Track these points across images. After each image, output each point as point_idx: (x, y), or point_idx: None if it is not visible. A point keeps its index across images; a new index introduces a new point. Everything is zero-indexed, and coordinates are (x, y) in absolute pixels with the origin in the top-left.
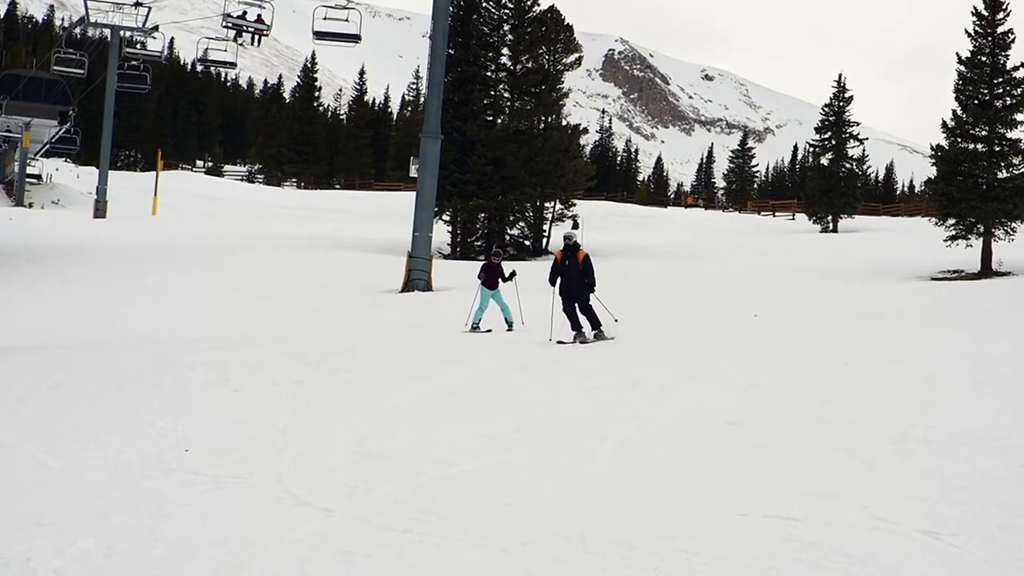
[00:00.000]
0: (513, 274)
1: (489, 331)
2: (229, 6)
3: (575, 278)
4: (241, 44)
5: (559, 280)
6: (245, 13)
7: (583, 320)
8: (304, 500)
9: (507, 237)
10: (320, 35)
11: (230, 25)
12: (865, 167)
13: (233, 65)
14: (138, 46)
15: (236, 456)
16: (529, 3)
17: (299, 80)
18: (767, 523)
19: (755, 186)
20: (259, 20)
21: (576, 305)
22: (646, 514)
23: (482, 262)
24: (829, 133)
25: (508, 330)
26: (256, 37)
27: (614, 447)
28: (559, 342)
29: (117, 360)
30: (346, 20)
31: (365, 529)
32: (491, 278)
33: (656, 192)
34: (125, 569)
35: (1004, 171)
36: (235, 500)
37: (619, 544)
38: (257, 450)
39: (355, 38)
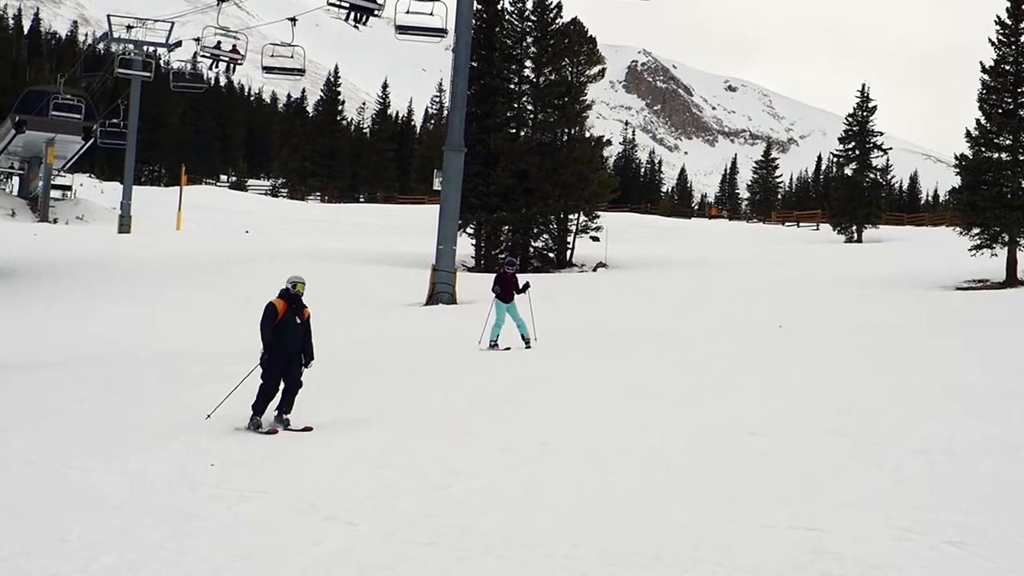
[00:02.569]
0: (527, 286)
1: (508, 349)
2: (206, 38)
3: (300, 338)
4: (217, 72)
5: (278, 339)
6: (220, 43)
7: (267, 401)
8: (328, 514)
9: (531, 250)
10: (403, 29)
11: (207, 55)
12: (889, 177)
13: (301, 72)
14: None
15: (260, 470)
16: (552, 15)
17: (322, 94)
18: (791, 534)
19: (779, 197)
20: (234, 50)
21: (291, 376)
22: (668, 525)
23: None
24: (853, 143)
25: (526, 347)
26: (231, 65)
27: (636, 458)
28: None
29: (141, 374)
30: (431, 14)
31: (389, 542)
32: (506, 291)
33: (680, 203)
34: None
35: None
36: (259, 514)
37: (641, 555)
38: (281, 464)
39: (441, 32)
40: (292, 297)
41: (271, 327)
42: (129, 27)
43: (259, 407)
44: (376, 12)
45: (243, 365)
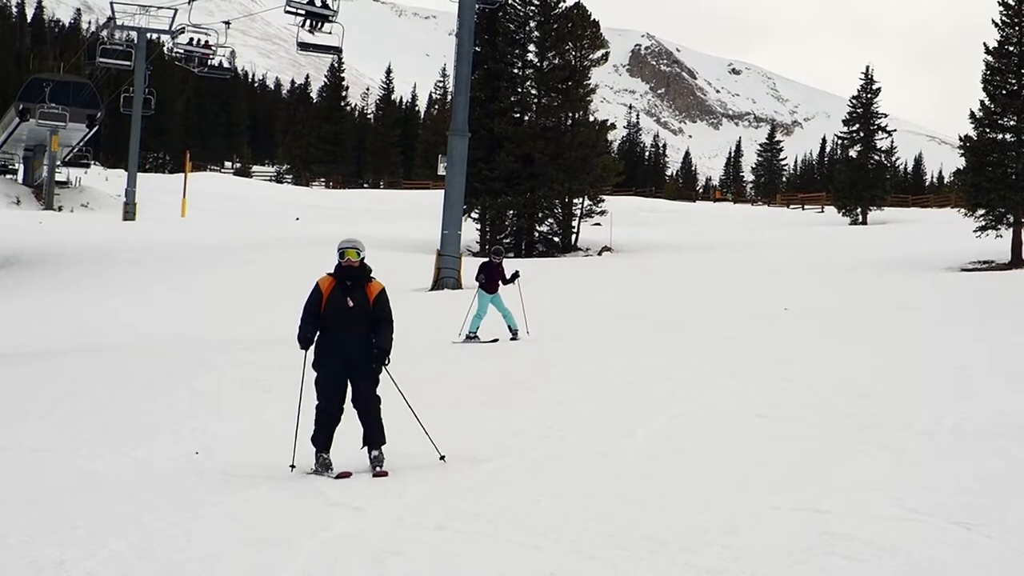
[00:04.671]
0: (516, 275)
1: (495, 341)
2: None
3: (359, 330)
4: (193, 69)
5: (324, 333)
6: (192, 40)
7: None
8: (336, 500)
9: (536, 234)
10: None
11: (182, 52)
12: (894, 159)
13: (339, 51)
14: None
15: (267, 456)
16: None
17: (326, 80)
18: (799, 516)
19: (783, 179)
20: (206, 46)
21: (355, 392)
22: (677, 508)
23: (481, 261)
24: (857, 125)
25: (512, 339)
26: (205, 61)
27: (644, 442)
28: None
29: (148, 362)
30: None
31: (397, 527)
32: (491, 280)
33: (684, 187)
34: (158, 570)
35: None
36: (267, 500)
37: (650, 539)
38: (287, 449)
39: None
40: (343, 271)
41: (310, 315)
42: (110, 19)
43: (318, 439)
44: (331, 19)
45: (254, 352)
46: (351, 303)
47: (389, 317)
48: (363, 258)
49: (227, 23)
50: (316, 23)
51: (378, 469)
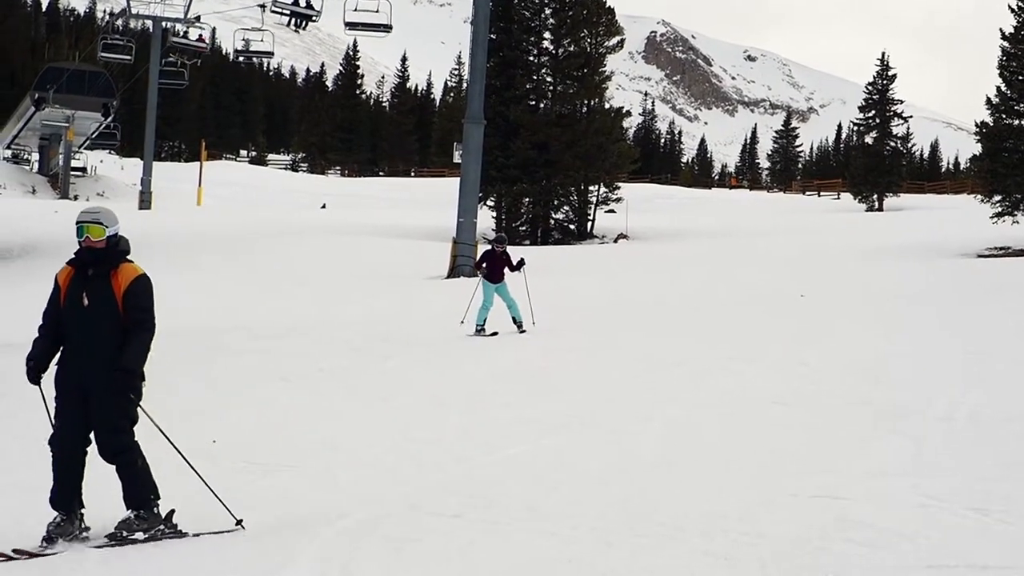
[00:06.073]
0: (521, 262)
1: (495, 334)
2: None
3: (99, 340)
4: (186, 61)
5: (64, 345)
6: (186, 33)
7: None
8: (352, 488)
9: (551, 222)
10: None
11: (176, 46)
12: (910, 145)
13: (388, 28)
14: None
15: (284, 443)
16: None
17: (341, 68)
18: (816, 503)
19: (799, 166)
20: (200, 39)
21: (96, 428)
22: (694, 496)
23: (483, 248)
24: (873, 112)
25: (519, 331)
26: (199, 55)
27: (661, 429)
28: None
29: (164, 350)
30: None
31: (414, 515)
32: (496, 269)
33: (700, 174)
34: (175, 556)
35: None
36: (284, 487)
37: (667, 526)
38: (305, 437)
39: None
40: (78, 256)
41: (44, 323)
42: (111, 14)
43: (52, 493)
44: (314, 18)
45: (270, 340)
46: (87, 301)
47: (144, 320)
48: (113, 235)
49: (262, 6)
50: (300, 22)
51: (122, 535)
